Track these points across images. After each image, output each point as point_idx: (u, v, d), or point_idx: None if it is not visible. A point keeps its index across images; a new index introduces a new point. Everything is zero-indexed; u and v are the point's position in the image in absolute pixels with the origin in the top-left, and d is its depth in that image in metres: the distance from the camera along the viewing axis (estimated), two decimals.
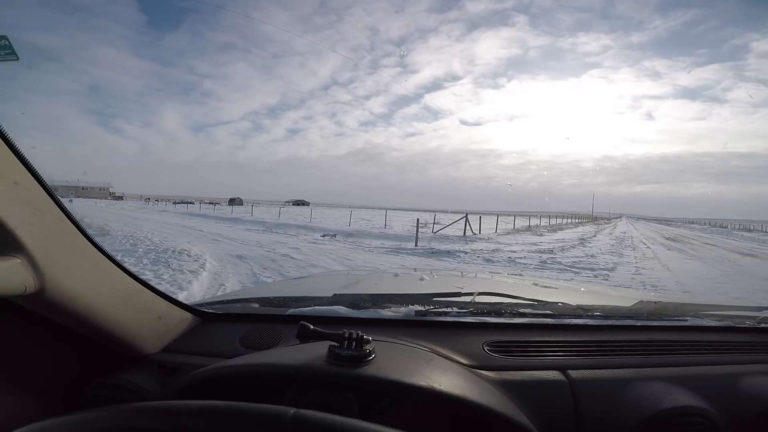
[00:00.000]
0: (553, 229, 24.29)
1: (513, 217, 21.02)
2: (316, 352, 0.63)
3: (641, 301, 1.13)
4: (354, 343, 0.61)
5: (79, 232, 0.61)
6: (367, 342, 0.62)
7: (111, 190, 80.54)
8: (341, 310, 0.91)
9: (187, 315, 0.86)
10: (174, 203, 57.89)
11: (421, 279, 1.55)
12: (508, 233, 18.01)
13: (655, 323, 0.98)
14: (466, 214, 16.46)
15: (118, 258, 0.72)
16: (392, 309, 0.93)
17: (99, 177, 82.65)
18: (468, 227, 15.87)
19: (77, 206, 34.73)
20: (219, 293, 4.47)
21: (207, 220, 21.75)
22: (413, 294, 1.12)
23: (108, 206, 37.34)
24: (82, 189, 73.90)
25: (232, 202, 67.15)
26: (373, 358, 0.62)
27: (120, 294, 0.68)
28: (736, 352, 0.91)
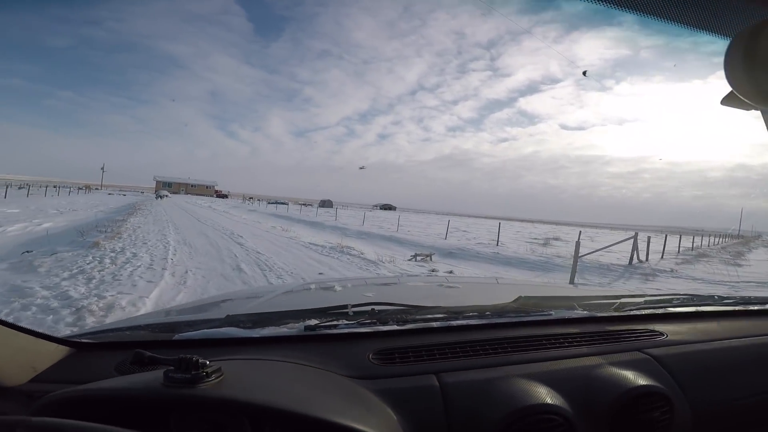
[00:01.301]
0: (733, 253, 17.05)
1: (664, 236, 15.11)
2: (153, 376, 0.62)
3: (519, 297, 1.16)
4: (188, 366, 0.59)
5: None
6: (203, 365, 0.60)
7: (216, 187, 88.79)
8: (231, 331, 0.89)
9: (55, 346, 0.84)
10: (268, 203, 59.57)
11: (334, 290, 1.54)
12: (685, 261, 12.25)
13: (524, 319, 1.01)
14: (636, 234, 11.28)
15: None
16: (288, 325, 0.92)
17: (212, 176, 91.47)
18: (635, 253, 10.72)
19: (176, 200, 36.09)
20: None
21: (288, 223, 19.78)
22: (310, 309, 1.06)
23: (198, 201, 38.17)
24: (192, 186, 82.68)
25: (323, 204, 68.17)
26: (216, 379, 0.60)
27: None
28: (593, 343, 0.93)
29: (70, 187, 49.33)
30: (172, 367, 0.60)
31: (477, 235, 20.44)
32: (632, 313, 1.10)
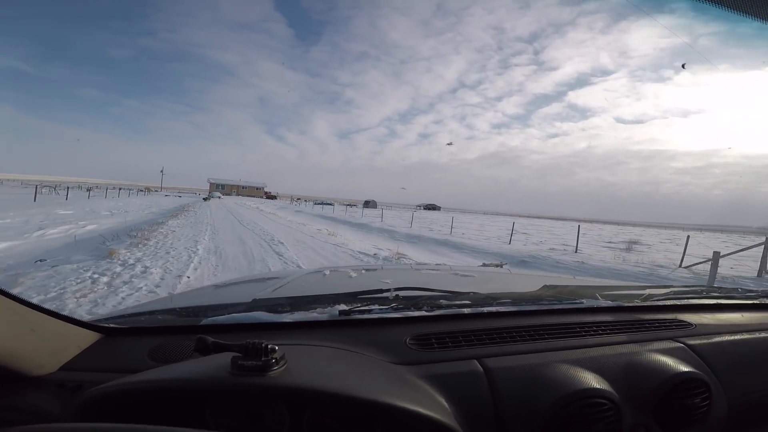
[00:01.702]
0: None
1: None
2: (219, 364, 0.61)
3: (545, 286, 1.21)
4: (258, 352, 0.58)
5: None
6: (272, 351, 0.59)
7: (266, 189, 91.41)
8: (260, 315, 0.87)
9: (85, 332, 0.80)
10: (314, 204, 59.64)
11: (350, 276, 1.54)
12: None
13: (557, 306, 1.03)
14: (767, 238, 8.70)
15: None
16: (317, 310, 0.90)
17: (262, 179, 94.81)
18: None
19: (225, 201, 36.61)
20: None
21: (334, 225, 18.72)
22: (338, 294, 1.12)
23: (247, 202, 38.15)
24: (243, 188, 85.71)
25: (367, 204, 67.63)
26: (282, 366, 0.60)
27: None
28: (627, 331, 0.95)
29: (129, 189, 52.68)
30: (239, 354, 0.58)
31: (542, 238, 18.14)
32: (660, 303, 1.13)
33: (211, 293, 1.59)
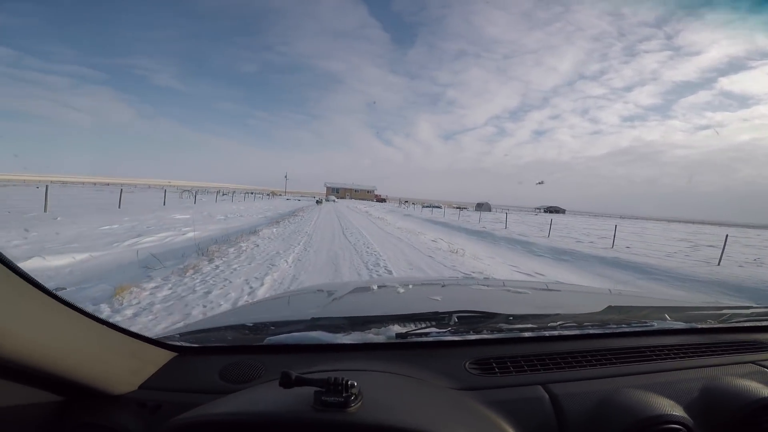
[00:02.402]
0: None
1: None
2: (301, 397, 0.62)
3: (609, 307, 1.13)
4: (339, 388, 0.59)
5: (20, 278, 0.59)
6: (352, 386, 0.60)
7: (376, 192, 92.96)
8: (321, 335, 0.89)
9: (161, 351, 0.84)
10: (422, 206, 57.04)
11: (398, 292, 1.53)
12: None
13: (625, 329, 0.98)
14: None
15: None
16: (372, 331, 0.92)
17: (373, 182, 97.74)
18: None
19: (338, 204, 37.57)
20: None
21: (449, 233, 15.90)
22: (392, 315, 1.06)
23: (358, 205, 37.93)
24: (355, 191, 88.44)
25: (480, 207, 62.86)
26: (360, 401, 0.60)
27: (78, 336, 0.67)
28: (702, 355, 0.92)
29: (256, 194, 58.08)
30: (321, 389, 0.59)
31: (751, 253, 12.27)
32: (738, 324, 1.07)
33: (270, 307, 1.63)
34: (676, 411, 0.70)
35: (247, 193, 55.88)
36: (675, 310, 1.15)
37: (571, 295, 1.83)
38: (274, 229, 10.83)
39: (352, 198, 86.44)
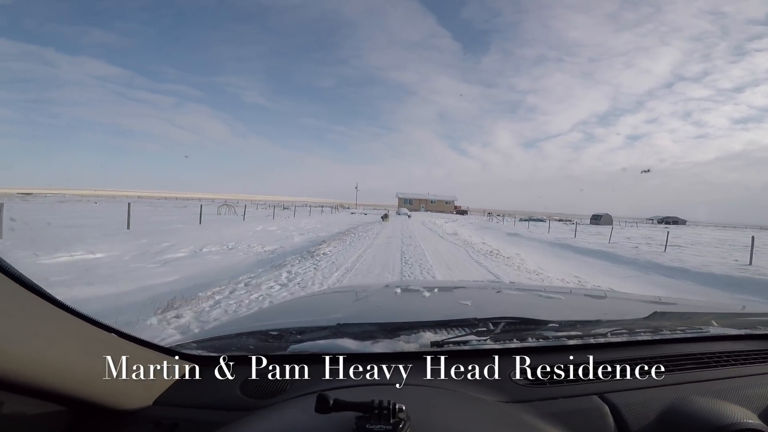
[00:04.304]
0: None
1: None
2: (341, 424, 0.55)
3: (656, 312, 1.10)
4: (384, 413, 0.52)
5: (21, 286, 0.55)
6: (400, 410, 0.53)
7: (456, 203, 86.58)
8: (348, 343, 0.82)
9: (176, 361, 0.78)
10: (521, 220, 46.67)
11: (424, 296, 1.45)
12: None
13: (678, 335, 0.94)
14: None
15: None
16: (402, 339, 0.85)
17: (449, 193, 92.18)
18: None
19: (410, 220, 32.73)
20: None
21: (622, 277, 11.14)
22: (425, 321, 1.01)
23: (435, 220, 32.90)
24: (431, 202, 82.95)
25: (596, 220, 53.03)
26: (408, 426, 0.53)
27: (88, 348, 0.63)
28: (764, 361, 0.88)
29: (322, 207, 55.52)
30: (364, 414, 0.53)
31: None
32: None
33: (292, 311, 1.56)
34: (751, 418, 0.66)
35: (310, 207, 53.72)
36: (722, 317, 1.09)
37: (614, 301, 1.71)
38: (305, 262, 6.85)
39: (427, 210, 79.11)
